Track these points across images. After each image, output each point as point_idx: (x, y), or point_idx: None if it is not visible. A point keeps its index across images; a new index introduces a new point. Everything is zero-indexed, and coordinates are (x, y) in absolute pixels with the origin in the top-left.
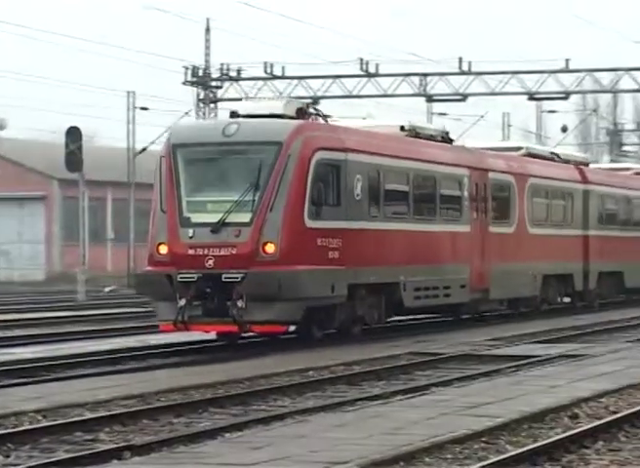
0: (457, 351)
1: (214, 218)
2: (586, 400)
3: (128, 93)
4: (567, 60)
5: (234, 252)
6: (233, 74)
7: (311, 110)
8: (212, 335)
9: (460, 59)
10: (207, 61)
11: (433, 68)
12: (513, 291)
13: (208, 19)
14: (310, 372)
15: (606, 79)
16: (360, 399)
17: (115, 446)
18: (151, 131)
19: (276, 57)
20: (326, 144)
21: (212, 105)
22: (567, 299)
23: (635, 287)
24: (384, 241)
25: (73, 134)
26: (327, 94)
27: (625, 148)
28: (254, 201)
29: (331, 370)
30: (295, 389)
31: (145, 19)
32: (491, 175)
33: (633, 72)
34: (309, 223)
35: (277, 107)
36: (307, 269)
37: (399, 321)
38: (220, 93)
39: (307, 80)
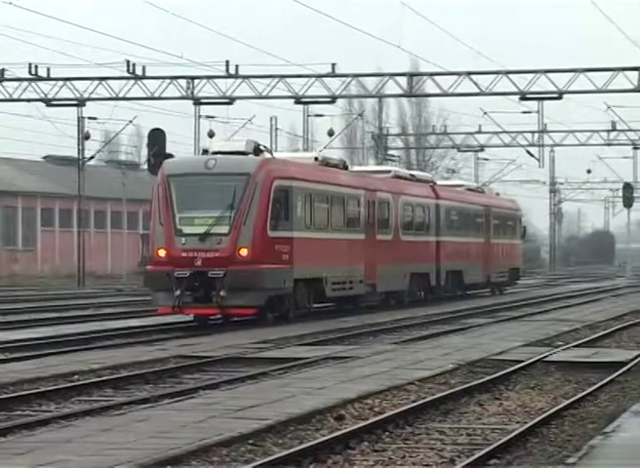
0: (224, 354)
1: (201, 230)
2: (352, 401)
3: None
4: (333, 65)
5: (217, 254)
6: None
7: (262, 148)
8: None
9: (227, 63)
10: None
11: (200, 71)
12: (391, 285)
13: None
14: (76, 377)
15: (371, 84)
16: (127, 403)
17: None
18: None
19: (41, 57)
20: (280, 174)
21: None
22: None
23: (471, 282)
24: (315, 246)
25: None
26: (93, 95)
27: (390, 152)
28: (230, 217)
29: (97, 374)
30: (60, 394)
31: None
32: (377, 194)
33: (397, 77)
34: (270, 234)
35: (240, 146)
36: (270, 268)
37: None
38: None
39: (73, 81)
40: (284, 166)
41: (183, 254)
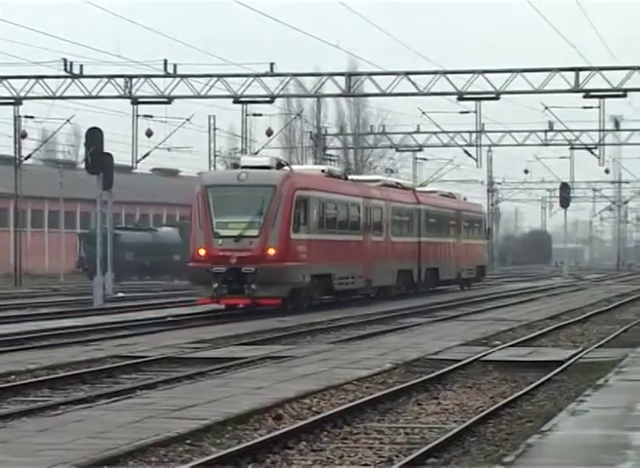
0: (161, 354)
1: (235, 233)
2: (290, 401)
3: None
4: (271, 65)
5: (249, 254)
6: None
7: (283, 162)
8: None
9: (166, 62)
10: None
11: (138, 70)
12: (384, 281)
13: None
14: (12, 377)
15: (310, 84)
16: (64, 403)
17: None
18: None
19: None
20: (300, 186)
21: None
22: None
23: (446, 279)
24: (326, 246)
25: None
26: (30, 94)
27: (329, 152)
28: (260, 222)
29: (34, 374)
30: None
31: None
32: (372, 200)
33: (336, 77)
34: (293, 236)
35: (266, 161)
36: (293, 265)
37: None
38: None
39: (9, 80)
40: (303, 178)
41: (220, 254)
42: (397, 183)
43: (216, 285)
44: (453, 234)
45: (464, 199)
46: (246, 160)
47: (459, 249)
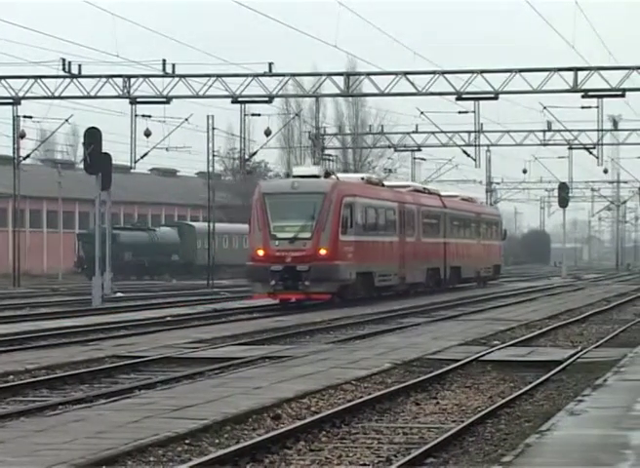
0: (159, 354)
1: (290, 235)
2: (289, 401)
3: None
4: (270, 64)
5: (303, 254)
6: None
7: (330, 172)
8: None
9: (164, 62)
10: None
11: (137, 70)
12: (415, 278)
13: None
14: (11, 377)
15: (308, 83)
16: (63, 403)
17: None
18: None
19: None
20: (347, 193)
21: None
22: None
23: (468, 277)
24: (368, 247)
25: None
26: (28, 94)
27: (328, 152)
28: (312, 225)
29: (32, 375)
30: None
31: None
32: (406, 205)
33: (334, 77)
34: (341, 238)
35: (315, 171)
36: (342, 264)
37: None
38: None
39: (8, 80)
40: (348, 186)
41: (277, 254)
42: (424, 189)
43: (273, 281)
44: (473, 235)
45: (481, 203)
46: (297, 170)
47: (478, 249)
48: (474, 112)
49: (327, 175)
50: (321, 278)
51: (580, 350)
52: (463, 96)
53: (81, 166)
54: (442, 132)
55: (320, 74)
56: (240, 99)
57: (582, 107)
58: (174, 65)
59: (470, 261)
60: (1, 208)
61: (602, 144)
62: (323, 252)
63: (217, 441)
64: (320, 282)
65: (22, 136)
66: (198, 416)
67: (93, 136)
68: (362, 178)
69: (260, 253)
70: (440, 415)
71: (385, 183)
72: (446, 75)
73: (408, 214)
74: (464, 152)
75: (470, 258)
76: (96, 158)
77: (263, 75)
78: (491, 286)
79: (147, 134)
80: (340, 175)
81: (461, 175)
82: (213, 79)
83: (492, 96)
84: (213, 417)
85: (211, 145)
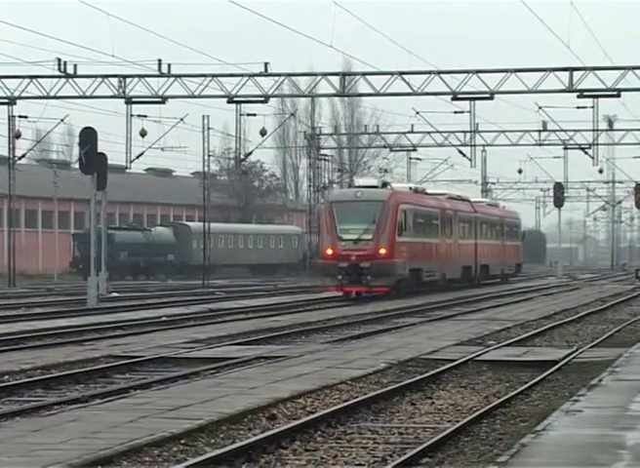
0: (155, 354)
1: (354, 237)
2: (284, 401)
3: None
4: (266, 64)
5: (365, 253)
6: None
7: (386, 182)
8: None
9: (160, 62)
10: None
11: (132, 70)
12: (453, 274)
13: None
14: (6, 377)
15: (304, 83)
16: (58, 403)
17: None
18: None
19: None
20: (402, 201)
21: None
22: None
23: (494, 274)
24: (418, 247)
25: None
26: (24, 94)
27: (323, 152)
28: (373, 228)
29: (27, 375)
30: None
31: None
32: (446, 211)
33: (330, 77)
34: (397, 239)
35: (374, 182)
36: (398, 261)
37: None
38: None
39: (3, 80)
40: (402, 194)
41: (343, 253)
42: (458, 196)
43: (340, 276)
44: (498, 237)
45: (503, 207)
46: (359, 181)
47: (502, 249)
48: (470, 112)
49: (384, 185)
50: (381, 273)
51: (576, 350)
52: (459, 96)
53: (76, 166)
54: (437, 132)
55: (316, 74)
56: (236, 99)
57: (578, 107)
58: (169, 65)
59: (496, 260)
60: None
61: (597, 144)
62: (383, 251)
63: (212, 441)
64: (380, 277)
65: (18, 135)
66: (194, 416)
67: (88, 135)
68: (410, 188)
69: (329, 252)
70: (435, 415)
71: (429, 192)
72: (441, 75)
73: (447, 218)
74: (460, 152)
75: (496, 257)
76: (91, 158)
77: (259, 75)
78: (496, 284)
79: (143, 134)
80: (393, 184)
81: (457, 176)
82: (208, 79)
83: (487, 95)
84: (208, 417)
85: (206, 145)
